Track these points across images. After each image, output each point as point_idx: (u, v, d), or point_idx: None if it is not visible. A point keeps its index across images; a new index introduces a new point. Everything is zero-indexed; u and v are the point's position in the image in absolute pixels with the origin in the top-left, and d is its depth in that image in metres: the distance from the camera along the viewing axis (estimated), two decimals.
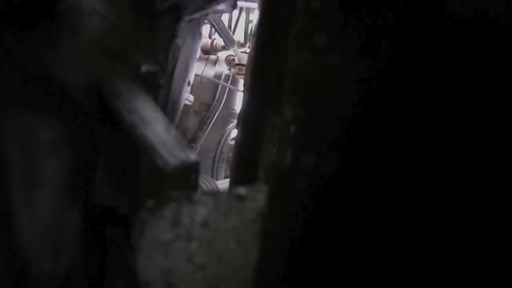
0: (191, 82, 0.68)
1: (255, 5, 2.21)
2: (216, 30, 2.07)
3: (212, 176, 2.32)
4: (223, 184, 2.07)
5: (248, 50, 2.28)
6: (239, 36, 2.33)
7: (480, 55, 0.29)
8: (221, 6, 0.63)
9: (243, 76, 2.35)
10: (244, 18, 2.32)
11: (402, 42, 0.29)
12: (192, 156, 0.47)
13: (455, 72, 0.29)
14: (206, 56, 2.41)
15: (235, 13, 2.34)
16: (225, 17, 2.21)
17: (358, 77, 0.29)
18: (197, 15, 0.61)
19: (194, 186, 0.47)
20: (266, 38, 0.48)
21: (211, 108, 2.35)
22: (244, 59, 2.27)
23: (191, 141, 2.29)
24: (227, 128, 2.43)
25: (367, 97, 0.29)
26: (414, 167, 0.29)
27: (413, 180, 0.29)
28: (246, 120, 0.51)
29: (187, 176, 0.46)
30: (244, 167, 0.48)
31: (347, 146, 0.29)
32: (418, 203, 0.29)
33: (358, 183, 0.29)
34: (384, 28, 0.29)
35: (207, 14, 0.65)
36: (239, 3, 2.15)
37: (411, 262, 0.29)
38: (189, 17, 0.60)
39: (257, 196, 0.35)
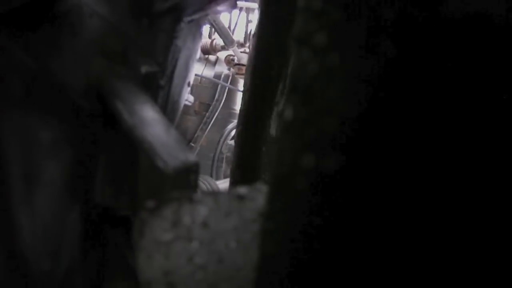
0: (191, 82, 0.68)
1: (255, 5, 2.21)
2: (215, 30, 2.07)
3: (211, 176, 2.33)
4: (223, 183, 2.07)
5: (247, 50, 2.28)
6: (238, 36, 2.33)
7: (483, 54, 0.29)
8: (221, 7, 0.63)
9: (242, 76, 2.35)
10: (244, 17, 2.32)
11: (403, 42, 0.29)
12: (192, 157, 0.47)
13: (457, 72, 0.29)
14: (206, 56, 2.41)
15: (235, 13, 2.34)
16: (224, 17, 2.21)
17: (359, 77, 0.29)
18: (197, 15, 0.61)
19: (194, 187, 0.47)
20: (266, 38, 0.48)
21: (211, 108, 2.36)
22: (244, 59, 2.27)
23: (190, 142, 2.29)
24: (226, 128, 2.43)
25: (368, 97, 0.29)
26: (415, 167, 0.29)
27: (414, 180, 0.29)
28: (246, 120, 0.51)
29: (187, 177, 0.46)
30: (244, 167, 0.48)
31: (347, 146, 0.29)
32: (419, 203, 0.29)
33: (358, 183, 0.29)
34: (386, 27, 0.29)
35: (207, 15, 0.65)
36: (239, 3, 2.15)
37: (412, 262, 0.29)
38: (189, 18, 0.60)
39: (257, 196, 0.35)
